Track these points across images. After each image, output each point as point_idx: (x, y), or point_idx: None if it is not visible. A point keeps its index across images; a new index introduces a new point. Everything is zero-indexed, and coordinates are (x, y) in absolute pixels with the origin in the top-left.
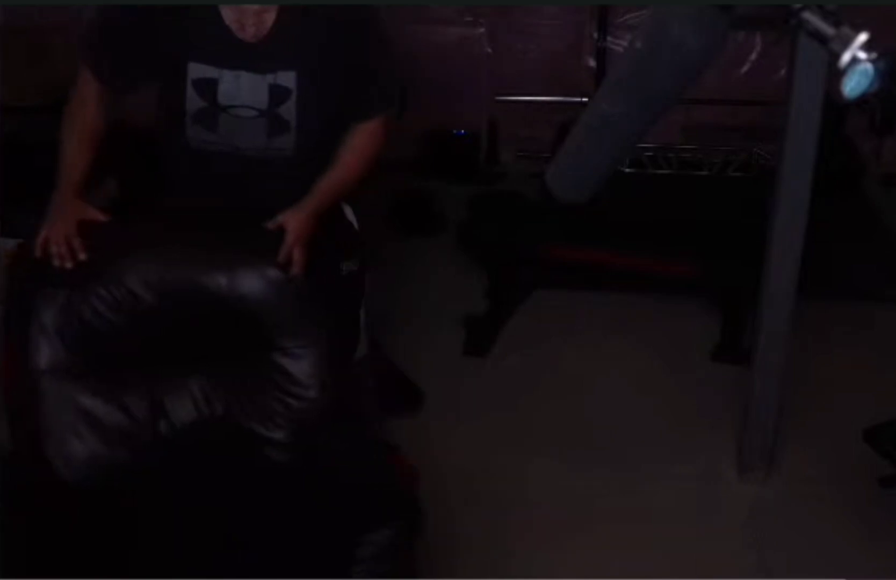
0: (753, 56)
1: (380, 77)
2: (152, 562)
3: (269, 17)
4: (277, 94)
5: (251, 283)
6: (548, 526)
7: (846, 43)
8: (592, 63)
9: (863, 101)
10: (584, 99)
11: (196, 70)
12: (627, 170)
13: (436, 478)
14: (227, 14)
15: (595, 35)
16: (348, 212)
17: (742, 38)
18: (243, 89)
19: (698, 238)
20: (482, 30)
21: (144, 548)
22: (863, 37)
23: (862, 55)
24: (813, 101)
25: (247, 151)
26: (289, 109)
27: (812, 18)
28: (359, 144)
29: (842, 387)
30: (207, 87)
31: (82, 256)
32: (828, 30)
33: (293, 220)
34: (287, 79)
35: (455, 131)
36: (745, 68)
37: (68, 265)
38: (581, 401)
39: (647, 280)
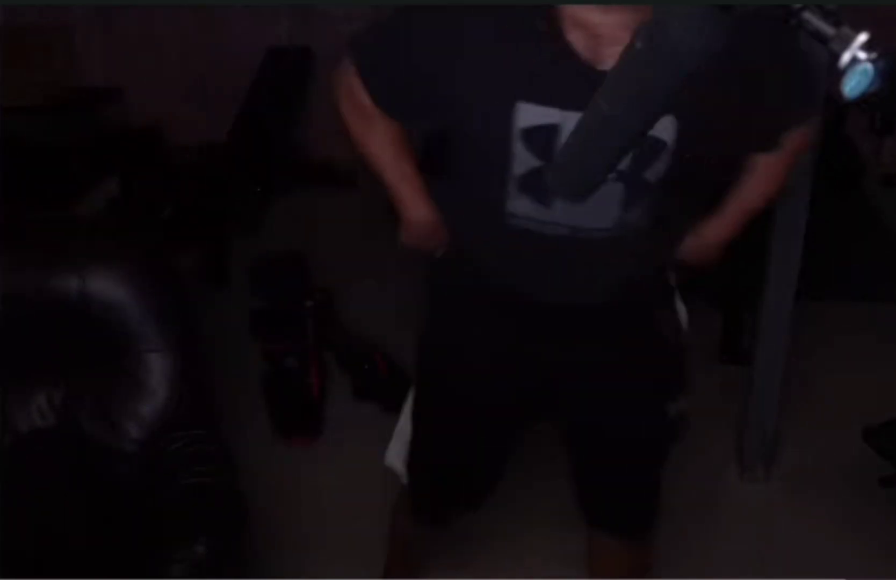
0: None
1: (805, 75)
2: None
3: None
4: (645, 150)
5: (103, 284)
6: (547, 524)
7: (846, 43)
8: None
9: (863, 101)
10: None
11: (528, 114)
12: None
13: None
14: (577, 39)
15: None
16: (681, 311)
17: None
18: None
19: None
20: None
21: None
22: (863, 37)
23: (862, 55)
24: None
25: (589, 232)
26: (657, 170)
27: (812, 18)
28: (776, 168)
29: (842, 387)
30: (543, 138)
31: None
32: (828, 30)
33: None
34: (663, 128)
35: None
36: None
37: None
38: None
39: None
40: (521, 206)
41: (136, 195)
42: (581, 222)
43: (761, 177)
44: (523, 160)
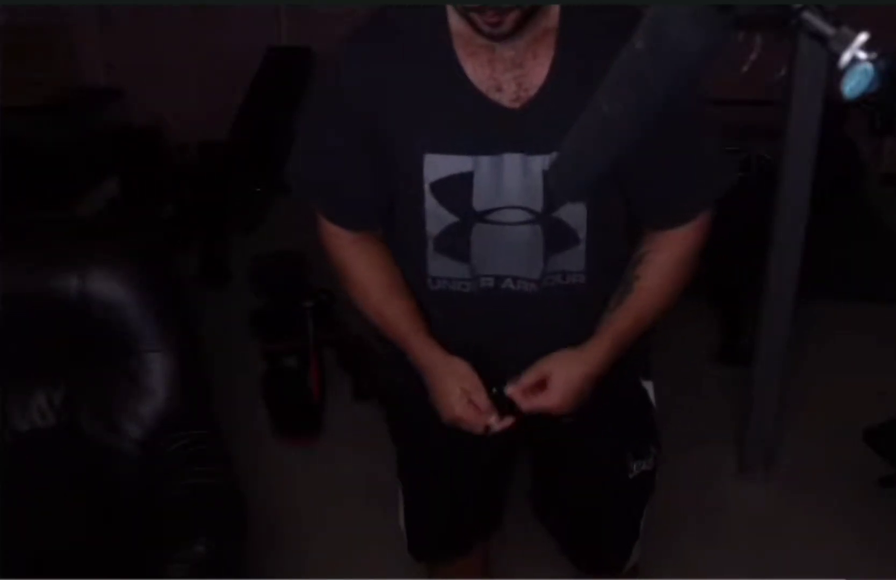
0: (753, 56)
1: (706, 159)
2: None
3: (540, 69)
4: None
5: (103, 284)
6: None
7: (846, 43)
8: None
9: (863, 101)
10: None
11: (435, 166)
12: None
13: None
14: (474, 69)
15: None
16: (649, 388)
17: (742, 39)
18: (508, 180)
19: None
20: None
21: None
22: (863, 37)
23: (862, 55)
24: (813, 101)
25: (516, 286)
26: (575, 211)
27: (812, 18)
28: (672, 258)
29: (842, 388)
30: (456, 189)
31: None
32: (828, 30)
33: (563, 375)
34: None
35: None
36: (745, 68)
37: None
38: None
39: None
40: (440, 268)
41: (136, 195)
42: (502, 272)
43: (657, 277)
44: (438, 217)
